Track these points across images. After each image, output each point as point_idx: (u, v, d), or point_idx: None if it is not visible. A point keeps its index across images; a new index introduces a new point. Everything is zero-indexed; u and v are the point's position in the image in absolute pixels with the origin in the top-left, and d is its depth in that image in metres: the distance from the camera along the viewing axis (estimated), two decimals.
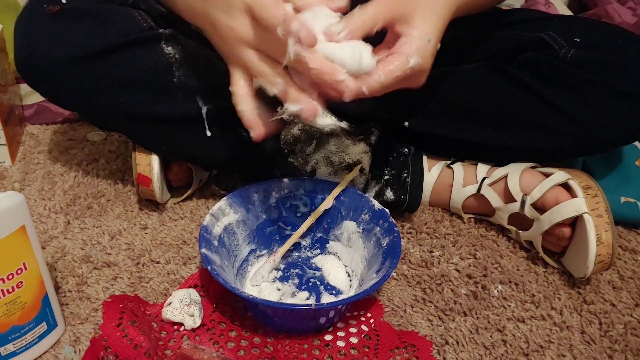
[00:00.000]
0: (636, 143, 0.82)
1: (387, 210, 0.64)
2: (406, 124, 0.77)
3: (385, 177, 0.74)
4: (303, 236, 0.67)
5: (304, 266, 0.68)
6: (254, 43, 0.53)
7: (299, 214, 0.69)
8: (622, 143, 0.72)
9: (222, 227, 0.63)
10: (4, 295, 0.50)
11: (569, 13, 1.13)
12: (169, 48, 0.66)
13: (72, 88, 0.65)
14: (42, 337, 0.55)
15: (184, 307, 0.58)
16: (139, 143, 0.72)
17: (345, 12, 0.54)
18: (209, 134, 0.69)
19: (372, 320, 0.61)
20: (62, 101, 0.70)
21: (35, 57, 0.63)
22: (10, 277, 0.50)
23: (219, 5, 0.54)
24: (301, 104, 0.52)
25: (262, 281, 0.65)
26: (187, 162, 0.77)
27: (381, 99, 0.63)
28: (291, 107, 0.52)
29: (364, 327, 0.60)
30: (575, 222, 0.67)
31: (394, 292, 0.65)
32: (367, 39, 0.54)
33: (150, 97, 0.66)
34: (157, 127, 0.69)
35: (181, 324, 0.58)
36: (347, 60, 0.51)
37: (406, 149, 0.77)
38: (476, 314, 0.63)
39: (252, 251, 0.67)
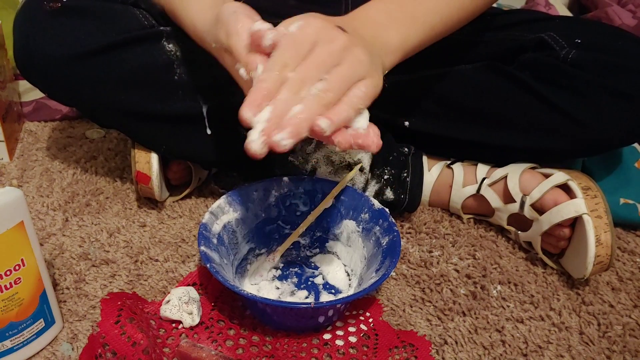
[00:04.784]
0: (636, 145, 0.82)
1: (386, 210, 0.64)
2: (406, 123, 0.77)
3: (385, 177, 0.74)
4: (302, 235, 0.67)
5: (303, 265, 0.68)
6: None
7: (298, 213, 0.69)
8: (622, 144, 0.72)
9: (221, 225, 0.63)
10: (1, 291, 0.50)
11: (569, 15, 1.13)
12: (170, 45, 0.66)
13: (71, 85, 0.65)
14: (39, 334, 0.55)
15: (182, 305, 0.58)
16: (138, 141, 0.72)
17: None
18: (209, 132, 0.69)
19: (371, 320, 0.61)
20: (62, 98, 0.70)
21: (35, 54, 0.63)
22: (8, 273, 0.50)
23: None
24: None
25: (261, 280, 0.65)
26: (187, 161, 0.77)
27: (382, 98, 0.63)
28: None
29: (362, 327, 0.60)
30: (574, 223, 0.67)
31: (393, 292, 0.65)
32: None
33: (150, 95, 0.66)
34: (157, 125, 0.69)
35: (180, 322, 0.58)
36: None
37: (406, 149, 0.77)
38: (475, 314, 0.63)
39: (251, 249, 0.67)
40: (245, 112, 0.45)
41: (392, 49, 0.56)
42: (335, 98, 0.47)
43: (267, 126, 0.44)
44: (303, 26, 0.48)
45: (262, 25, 0.48)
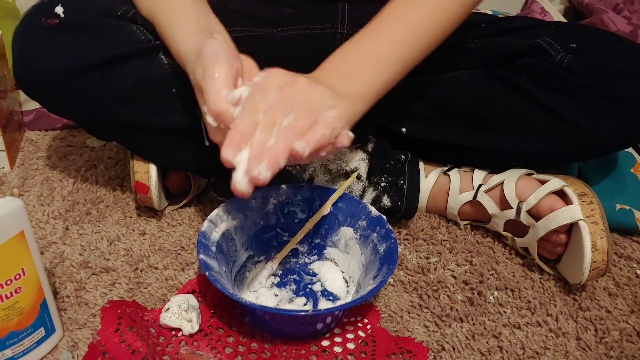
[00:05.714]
0: (632, 150, 0.83)
1: (384, 217, 0.65)
2: (403, 130, 0.77)
3: (382, 184, 0.75)
4: (301, 242, 0.68)
5: (302, 272, 0.69)
6: None
7: (296, 220, 0.69)
8: (618, 148, 0.73)
9: (220, 233, 0.63)
10: (2, 300, 0.50)
11: (565, 21, 1.14)
12: (168, 58, 0.66)
13: (70, 100, 0.66)
14: (40, 342, 0.55)
15: (182, 313, 0.58)
16: (137, 154, 0.72)
17: None
18: (207, 144, 0.70)
19: (369, 326, 0.61)
20: (61, 112, 0.71)
21: (33, 69, 0.64)
22: (8, 282, 0.50)
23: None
24: None
25: (259, 287, 0.65)
26: (186, 171, 0.77)
27: (378, 105, 0.64)
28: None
29: (360, 333, 0.60)
30: (570, 229, 0.67)
31: (390, 298, 0.66)
32: None
33: (149, 108, 0.67)
34: (155, 138, 0.69)
35: (179, 330, 0.58)
36: None
37: (403, 156, 0.77)
38: (472, 320, 0.63)
39: (249, 257, 0.67)
40: (226, 152, 0.48)
41: (356, 96, 0.58)
42: (307, 125, 0.50)
43: (248, 165, 0.48)
44: (266, 75, 0.53)
45: (229, 103, 0.51)
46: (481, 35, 0.75)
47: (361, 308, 0.63)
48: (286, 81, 0.52)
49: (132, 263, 0.69)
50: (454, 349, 0.60)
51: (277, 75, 0.53)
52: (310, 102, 0.51)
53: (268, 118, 0.49)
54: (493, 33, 0.75)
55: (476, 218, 0.77)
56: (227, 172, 0.75)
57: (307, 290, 0.66)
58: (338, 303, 0.64)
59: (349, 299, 0.64)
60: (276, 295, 0.65)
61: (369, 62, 0.60)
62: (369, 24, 0.63)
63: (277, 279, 0.67)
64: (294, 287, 0.66)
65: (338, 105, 0.53)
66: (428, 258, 0.72)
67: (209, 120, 0.52)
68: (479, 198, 0.73)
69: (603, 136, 0.67)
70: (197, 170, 0.76)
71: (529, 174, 0.73)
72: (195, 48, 0.56)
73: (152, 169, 0.72)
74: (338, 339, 0.59)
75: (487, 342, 0.61)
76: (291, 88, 0.52)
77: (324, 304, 0.64)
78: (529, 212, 0.69)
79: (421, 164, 0.78)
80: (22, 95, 0.99)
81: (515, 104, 0.69)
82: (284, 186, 0.68)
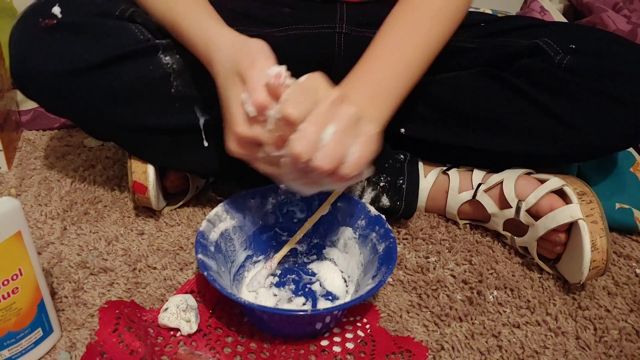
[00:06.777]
0: (631, 150, 0.83)
1: (383, 216, 0.65)
2: (402, 130, 0.77)
3: (381, 184, 0.74)
4: (299, 242, 0.67)
5: (301, 272, 0.68)
6: None
7: (295, 220, 0.69)
8: (617, 149, 0.73)
9: (218, 232, 0.63)
10: None
11: (564, 20, 1.14)
12: (167, 58, 0.66)
13: (68, 100, 0.65)
14: (37, 343, 0.55)
15: (180, 313, 0.58)
16: (135, 154, 0.72)
17: None
18: (206, 144, 0.70)
19: (368, 326, 0.61)
20: (59, 112, 0.71)
21: (31, 69, 0.63)
22: (5, 282, 0.50)
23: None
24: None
25: (258, 287, 0.65)
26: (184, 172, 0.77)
27: None
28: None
29: (360, 333, 0.60)
30: (570, 228, 0.67)
31: (389, 298, 0.66)
32: None
33: (148, 108, 0.67)
34: (154, 138, 0.69)
35: (177, 330, 0.58)
36: None
37: (402, 156, 0.77)
38: (472, 319, 0.63)
39: (248, 257, 0.67)
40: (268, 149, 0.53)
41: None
42: (341, 158, 0.51)
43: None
44: (309, 77, 0.53)
45: (278, 70, 0.52)
46: (480, 35, 0.75)
47: (360, 308, 0.63)
48: (323, 91, 0.52)
49: (130, 263, 0.68)
50: (453, 348, 0.60)
51: (317, 78, 0.53)
52: (342, 124, 0.52)
53: (310, 126, 0.50)
54: (492, 32, 0.75)
55: (475, 217, 0.77)
56: (225, 173, 0.75)
57: (306, 290, 0.66)
58: (337, 303, 0.64)
59: (348, 299, 0.64)
60: (275, 295, 0.65)
61: (377, 95, 0.63)
62: (364, 58, 0.64)
63: (276, 278, 0.67)
64: (292, 286, 0.66)
65: (367, 132, 0.54)
66: (427, 257, 0.72)
67: (250, 109, 0.52)
68: (478, 197, 0.73)
69: (602, 137, 0.67)
70: (195, 170, 0.76)
71: (529, 173, 0.73)
72: (233, 40, 0.57)
73: (150, 169, 0.71)
74: (337, 339, 0.59)
75: (486, 342, 0.61)
76: (326, 101, 0.52)
77: (323, 304, 0.64)
78: (528, 211, 0.69)
79: (420, 164, 0.78)
80: (19, 95, 0.98)
81: (514, 104, 0.69)
82: (282, 185, 0.68)
